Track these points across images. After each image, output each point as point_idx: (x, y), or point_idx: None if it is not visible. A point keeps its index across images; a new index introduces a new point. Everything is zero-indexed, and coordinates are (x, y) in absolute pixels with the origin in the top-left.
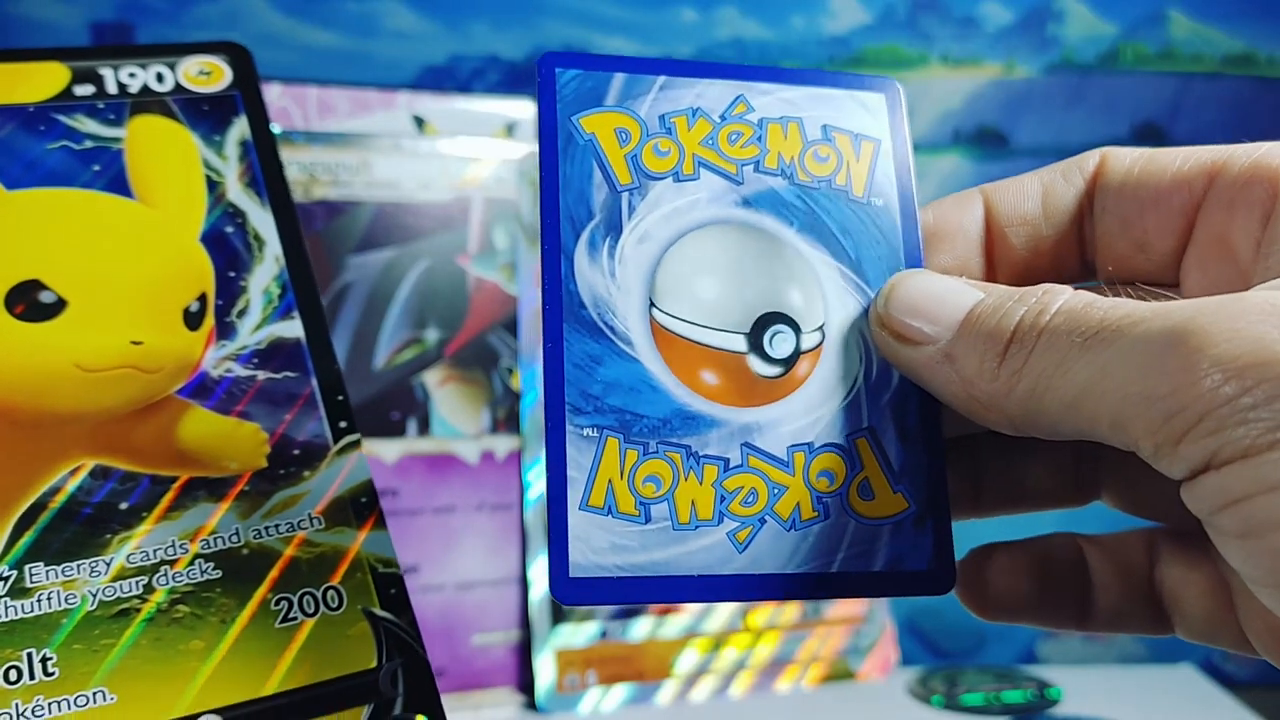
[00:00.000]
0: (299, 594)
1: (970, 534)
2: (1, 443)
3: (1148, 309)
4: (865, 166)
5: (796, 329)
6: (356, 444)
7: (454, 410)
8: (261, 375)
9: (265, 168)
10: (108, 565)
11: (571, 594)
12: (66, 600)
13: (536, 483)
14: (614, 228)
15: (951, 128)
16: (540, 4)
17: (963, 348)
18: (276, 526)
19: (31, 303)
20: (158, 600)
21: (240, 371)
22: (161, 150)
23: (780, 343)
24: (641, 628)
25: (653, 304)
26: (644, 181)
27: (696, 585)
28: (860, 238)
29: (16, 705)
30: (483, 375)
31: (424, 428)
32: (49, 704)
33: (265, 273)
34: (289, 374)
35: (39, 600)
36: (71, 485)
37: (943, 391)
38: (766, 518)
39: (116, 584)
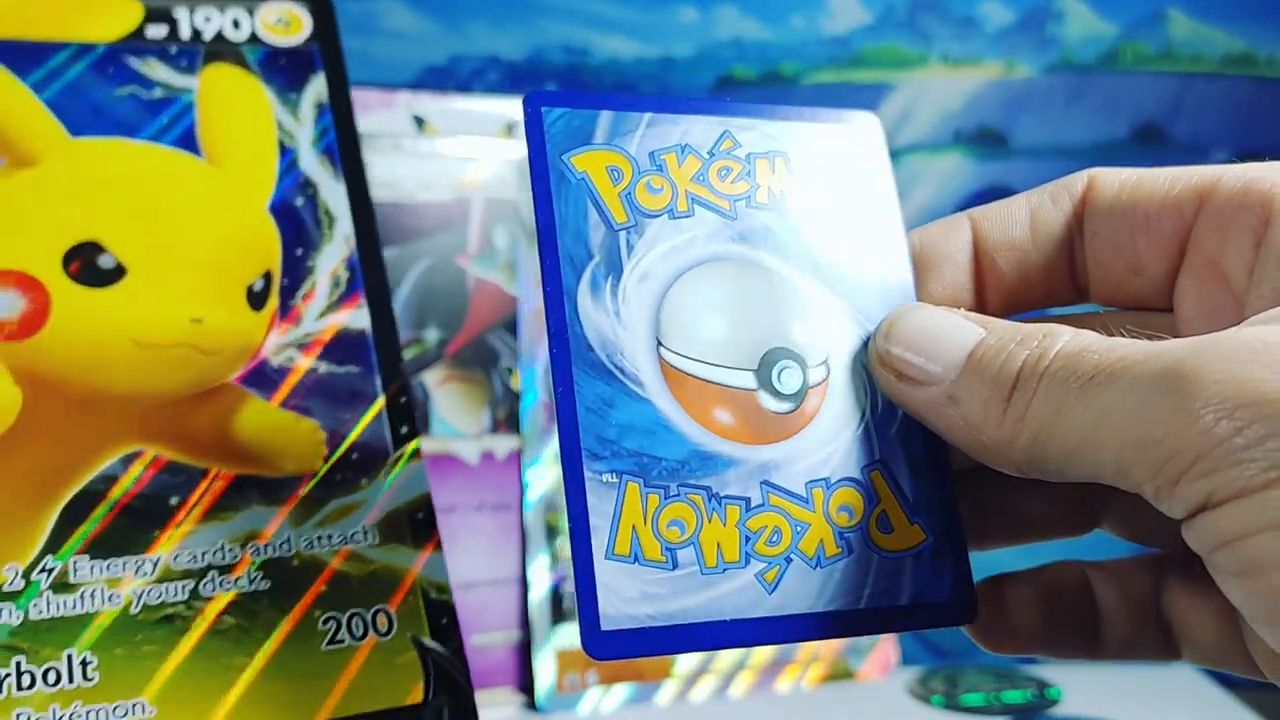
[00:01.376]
0: (348, 615)
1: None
2: (53, 421)
3: (1141, 352)
4: (849, 200)
5: (802, 364)
6: (417, 452)
7: (454, 410)
8: (323, 367)
9: (341, 135)
10: (154, 565)
11: (604, 647)
12: (110, 600)
13: (536, 483)
14: (615, 267)
15: (951, 128)
16: (540, 4)
17: (966, 391)
18: (329, 537)
19: (89, 264)
20: (204, 609)
21: (301, 361)
22: (234, 105)
23: (788, 378)
24: None
25: (660, 343)
26: (640, 219)
27: (729, 631)
28: (853, 271)
29: (54, 710)
30: (483, 375)
31: (424, 428)
32: (86, 711)
33: (334, 254)
34: (352, 368)
35: (81, 597)
36: (121, 475)
37: (948, 433)
38: (792, 556)
39: (162, 586)
